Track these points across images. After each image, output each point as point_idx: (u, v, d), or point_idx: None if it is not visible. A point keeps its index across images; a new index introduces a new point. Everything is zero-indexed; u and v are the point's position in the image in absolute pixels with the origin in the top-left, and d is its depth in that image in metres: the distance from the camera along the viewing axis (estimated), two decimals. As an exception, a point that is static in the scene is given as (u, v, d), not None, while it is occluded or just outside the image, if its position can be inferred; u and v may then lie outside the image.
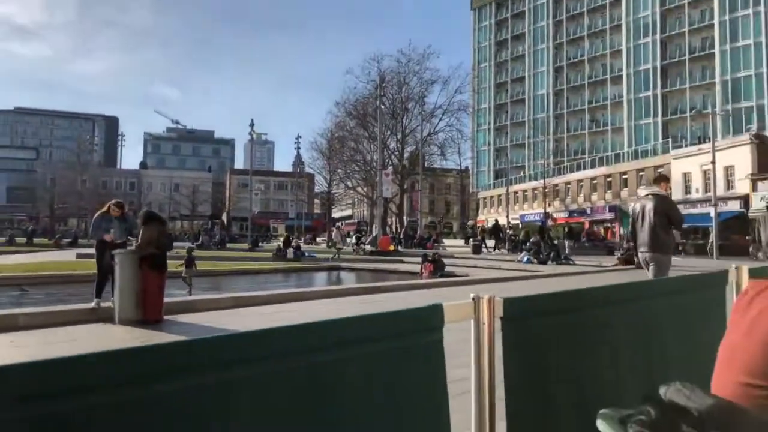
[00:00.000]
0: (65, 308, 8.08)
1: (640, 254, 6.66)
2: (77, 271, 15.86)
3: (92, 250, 8.71)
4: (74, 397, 1.08)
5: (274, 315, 7.82)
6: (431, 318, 1.72)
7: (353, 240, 36.75)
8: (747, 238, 34.14)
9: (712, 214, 33.00)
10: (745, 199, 38.48)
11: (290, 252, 26.82)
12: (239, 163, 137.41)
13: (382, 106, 46.83)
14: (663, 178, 7.20)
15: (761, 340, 1.30)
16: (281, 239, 36.14)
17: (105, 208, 8.53)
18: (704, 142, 43.94)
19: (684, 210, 42.58)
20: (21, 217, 75.35)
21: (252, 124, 50.47)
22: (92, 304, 7.99)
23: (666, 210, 6.52)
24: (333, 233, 40.37)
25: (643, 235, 6.52)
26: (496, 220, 42.28)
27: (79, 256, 21.83)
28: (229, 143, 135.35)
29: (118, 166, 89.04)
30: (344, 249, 30.01)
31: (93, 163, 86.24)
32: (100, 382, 1.11)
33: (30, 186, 79.53)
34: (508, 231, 39.36)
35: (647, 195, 6.69)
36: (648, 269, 6.52)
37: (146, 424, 1.17)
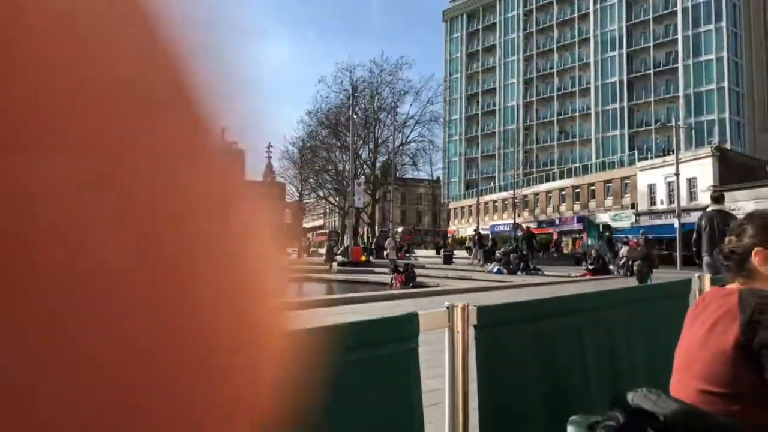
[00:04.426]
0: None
1: (704, 258, 7.78)
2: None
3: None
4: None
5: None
6: (407, 327, 1.73)
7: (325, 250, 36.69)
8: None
9: (676, 225, 34.45)
10: (708, 211, 41.16)
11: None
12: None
13: (355, 116, 48.38)
14: (722, 197, 8.57)
15: (714, 351, 1.40)
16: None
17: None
18: (668, 154, 45.84)
19: (649, 221, 44.00)
20: None
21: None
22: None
23: (729, 222, 8.20)
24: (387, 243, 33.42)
25: (710, 242, 7.56)
26: (532, 230, 38.99)
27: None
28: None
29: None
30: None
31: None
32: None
33: None
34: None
35: (713, 210, 8.06)
36: (709, 270, 7.18)
37: None
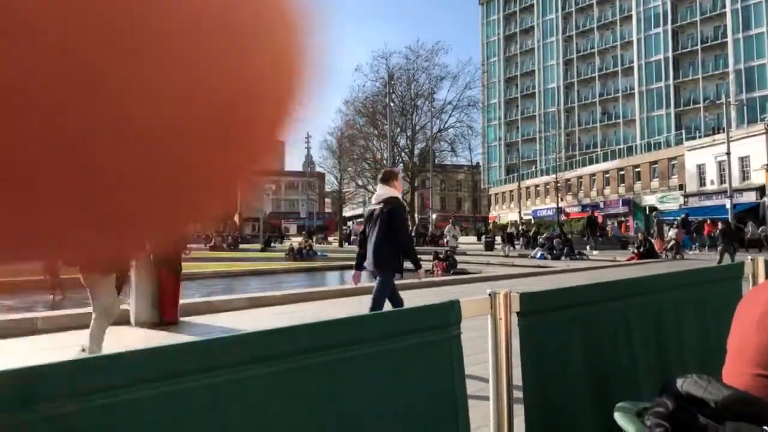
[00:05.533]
0: (80, 311, 7.70)
1: None
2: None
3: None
4: (84, 398, 1.12)
5: (288, 315, 8.14)
6: (449, 314, 1.74)
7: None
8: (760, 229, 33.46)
9: (728, 206, 32.96)
10: (761, 191, 38.01)
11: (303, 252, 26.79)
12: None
13: (392, 104, 48.93)
14: None
15: None
16: (295, 240, 36.07)
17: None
18: (718, 132, 44.13)
19: (698, 202, 43.06)
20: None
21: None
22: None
23: None
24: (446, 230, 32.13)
25: None
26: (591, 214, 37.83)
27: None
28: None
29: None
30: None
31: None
32: (114, 382, 1.16)
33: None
34: (521, 226, 39.64)
35: None
36: None
37: (159, 423, 1.23)
